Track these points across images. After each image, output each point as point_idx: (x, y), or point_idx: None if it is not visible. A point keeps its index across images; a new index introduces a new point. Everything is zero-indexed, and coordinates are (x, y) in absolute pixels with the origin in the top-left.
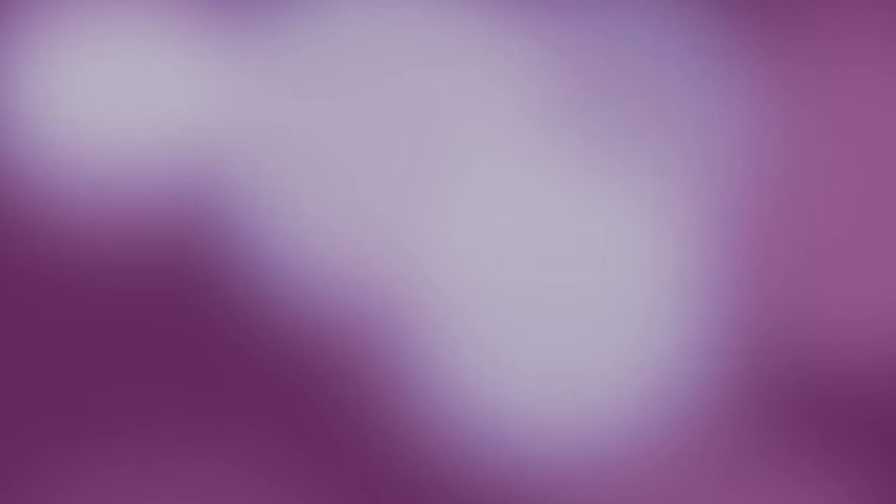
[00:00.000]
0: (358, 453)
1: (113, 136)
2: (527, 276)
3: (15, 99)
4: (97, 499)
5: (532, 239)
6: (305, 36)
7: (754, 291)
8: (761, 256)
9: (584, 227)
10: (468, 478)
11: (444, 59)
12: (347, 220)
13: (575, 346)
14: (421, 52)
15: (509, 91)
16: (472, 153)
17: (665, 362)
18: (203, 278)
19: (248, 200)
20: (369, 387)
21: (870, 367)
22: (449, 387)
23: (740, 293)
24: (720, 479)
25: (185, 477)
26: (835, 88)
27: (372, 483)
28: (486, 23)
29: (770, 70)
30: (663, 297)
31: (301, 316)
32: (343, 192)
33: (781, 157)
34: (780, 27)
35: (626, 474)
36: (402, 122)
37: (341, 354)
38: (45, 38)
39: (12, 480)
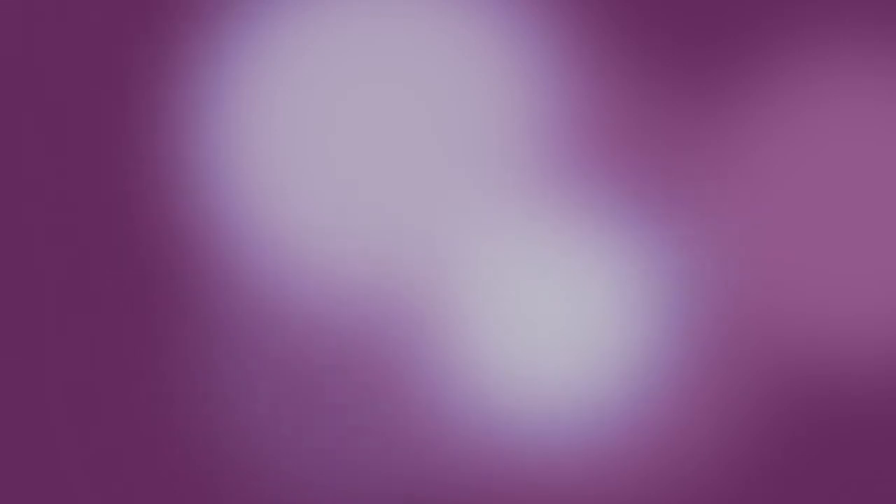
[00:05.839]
0: (364, 448)
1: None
2: (526, 276)
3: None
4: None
5: (534, 239)
6: (306, 36)
7: (753, 291)
8: (761, 256)
9: (583, 226)
10: (472, 476)
11: (446, 60)
12: (350, 221)
13: (574, 347)
14: (422, 53)
15: (511, 91)
16: (475, 155)
17: (662, 362)
18: (203, 277)
19: (247, 200)
20: (375, 383)
21: (870, 366)
22: (449, 388)
23: (739, 293)
24: (719, 477)
25: (185, 473)
26: (833, 89)
27: (378, 480)
28: (487, 23)
29: (771, 71)
30: (661, 297)
31: (302, 319)
32: (345, 195)
33: (781, 158)
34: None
35: (624, 473)
36: (404, 123)
37: (344, 357)
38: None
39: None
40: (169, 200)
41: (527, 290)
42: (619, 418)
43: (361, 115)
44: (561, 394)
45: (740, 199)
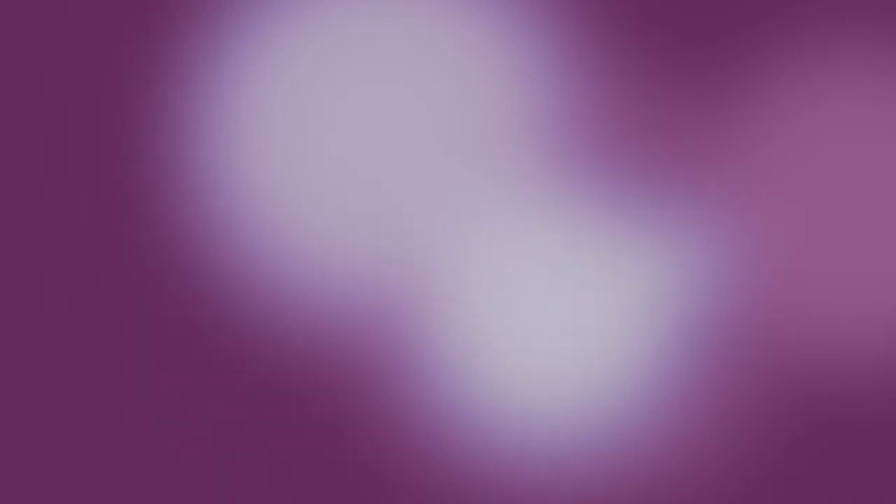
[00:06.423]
0: (367, 456)
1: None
2: (527, 275)
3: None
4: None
5: (532, 238)
6: (306, 36)
7: (753, 291)
8: (761, 256)
9: (585, 225)
10: (473, 476)
11: (446, 60)
12: (350, 222)
13: (574, 347)
14: (422, 53)
15: (511, 91)
16: (475, 155)
17: (661, 362)
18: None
19: (247, 200)
20: (372, 388)
21: (870, 366)
22: (449, 388)
23: (739, 293)
24: (719, 477)
25: (202, 487)
26: (833, 89)
27: (382, 485)
28: (487, 23)
29: (771, 71)
30: (660, 297)
31: (304, 318)
32: (346, 195)
33: (781, 158)
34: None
35: (624, 472)
36: (404, 123)
37: (345, 358)
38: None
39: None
40: (169, 200)
41: (526, 290)
42: (620, 417)
43: (361, 115)
44: (561, 392)
45: (740, 200)
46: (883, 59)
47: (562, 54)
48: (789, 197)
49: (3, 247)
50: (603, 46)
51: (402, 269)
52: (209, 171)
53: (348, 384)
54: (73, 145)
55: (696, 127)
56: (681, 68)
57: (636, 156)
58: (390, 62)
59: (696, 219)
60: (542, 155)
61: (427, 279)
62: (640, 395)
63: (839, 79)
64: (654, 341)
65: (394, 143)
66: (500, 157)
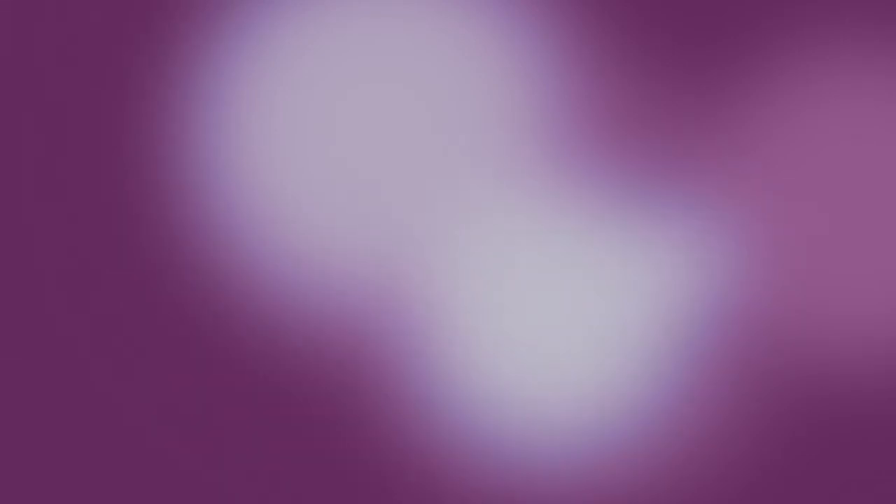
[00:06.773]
0: (363, 455)
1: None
2: (527, 276)
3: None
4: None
5: (532, 239)
6: (306, 36)
7: (753, 291)
8: (761, 256)
9: (584, 224)
10: (473, 477)
11: (446, 60)
12: (350, 222)
13: (573, 347)
14: (422, 53)
15: (511, 91)
16: (475, 155)
17: (660, 363)
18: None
19: (247, 200)
20: (372, 388)
21: (870, 366)
22: (449, 389)
23: (739, 293)
24: (717, 478)
25: (198, 486)
26: (833, 89)
27: (378, 485)
28: (487, 23)
29: (771, 71)
30: (661, 297)
31: (304, 318)
32: (346, 195)
33: (781, 158)
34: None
35: (625, 473)
36: (405, 123)
37: (345, 358)
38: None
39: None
40: (169, 200)
41: (528, 290)
42: (619, 415)
43: (361, 115)
44: (562, 391)
45: (740, 200)
46: (883, 59)
47: (562, 54)
48: (789, 197)
49: (4, 247)
50: (603, 46)
51: (403, 269)
52: (209, 171)
53: (348, 384)
54: (73, 145)
55: (697, 127)
56: (681, 68)
57: (636, 156)
58: (390, 62)
59: (696, 219)
60: (542, 155)
61: (427, 279)
62: (639, 393)
63: (839, 79)
64: (652, 340)
65: (394, 143)
66: (500, 158)
